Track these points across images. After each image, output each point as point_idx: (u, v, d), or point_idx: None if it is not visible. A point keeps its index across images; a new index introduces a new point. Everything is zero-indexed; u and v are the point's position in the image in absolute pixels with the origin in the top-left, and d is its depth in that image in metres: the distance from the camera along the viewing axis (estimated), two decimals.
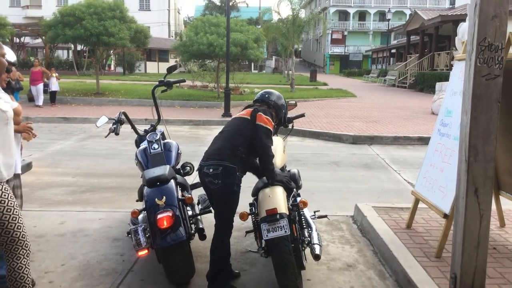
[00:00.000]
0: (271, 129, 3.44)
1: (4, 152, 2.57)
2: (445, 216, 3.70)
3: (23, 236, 2.69)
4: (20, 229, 2.66)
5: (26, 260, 2.71)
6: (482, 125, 2.77)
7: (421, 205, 4.38)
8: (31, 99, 15.89)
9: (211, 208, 3.67)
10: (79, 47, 33.35)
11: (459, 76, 3.97)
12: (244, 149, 3.35)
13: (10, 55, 3.14)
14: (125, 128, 4.45)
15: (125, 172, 7.15)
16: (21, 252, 2.68)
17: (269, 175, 3.41)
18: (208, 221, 4.12)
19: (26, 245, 2.71)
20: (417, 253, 3.81)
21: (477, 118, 2.77)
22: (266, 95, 3.71)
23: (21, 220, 2.67)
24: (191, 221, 3.61)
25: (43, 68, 15.82)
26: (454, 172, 3.16)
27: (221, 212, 3.35)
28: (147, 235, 3.26)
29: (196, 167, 3.66)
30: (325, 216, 3.95)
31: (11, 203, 2.60)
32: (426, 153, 4.41)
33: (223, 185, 3.26)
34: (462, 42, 4.33)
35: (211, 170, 3.27)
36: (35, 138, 3.75)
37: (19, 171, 3.51)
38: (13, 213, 2.61)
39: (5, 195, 2.57)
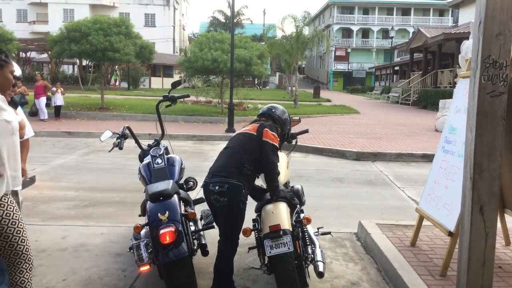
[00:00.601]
0: (277, 145, 3.45)
1: (9, 164, 2.57)
2: (450, 233, 3.66)
3: (27, 250, 2.67)
4: (24, 242, 2.65)
5: (28, 274, 2.69)
6: (487, 142, 2.76)
7: (425, 222, 4.34)
8: (33, 113, 15.96)
9: (214, 224, 3.66)
10: (84, 62, 33.69)
11: (463, 93, 3.97)
12: (250, 166, 3.35)
13: (16, 70, 3.17)
14: (129, 143, 4.46)
15: (127, 186, 7.14)
16: (24, 266, 2.67)
17: (273, 191, 3.40)
18: (211, 236, 4.10)
19: (29, 259, 2.70)
20: (422, 271, 3.76)
21: (482, 135, 2.76)
22: (273, 109, 3.73)
23: (25, 234, 2.66)
24: (194, 237, 3.58)
25: (45, 82, 15.96)
26: (458, 190, 3.14)
27: (227, 230, 3.34)
28: (149, 251, 3.23)
29: (200, 183, 3.65)
30: (329, 233, 3.92)
31: (16, 216, 2.60)
32: (431, 170, 4.38)
33: (229, 203, 3.26)
34: (465, 59, 4.34)
35: (216, 187, 3.26)
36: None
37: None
38: (17, 226, 2.60)
39: (10, 208, 2.57)
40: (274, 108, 3.76)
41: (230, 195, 3.24)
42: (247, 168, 3.33)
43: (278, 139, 3.53)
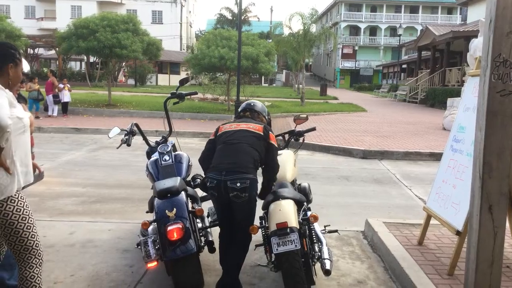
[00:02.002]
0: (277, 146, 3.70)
1: (21, 160, 2.59)
2: (458, 233, 3.64)
3: (37, 245, 2.70)
4: (34, 238, 2.68)
5: (38, 269, 2.71)
6: (497, 141, 2.75)
7: (433, 221, 4.33)
8: (46, 108, 16.26)
9: None
10: (91, 59, 33.82)
11: (473, 92, 3.94)
12: (259, 161, 3.49)
13: (24, 66, 3.18)
14: (136, 140, 4.48)
15: (135, 183, 7.17)
16: (34, 261, 2.69)
17: (267, 191, 3.59)
18: (218, 233, 4.10)
19: (39, 254, 2.72)
20: (429, 270, 3.75)
21: (492, 134, 2.74)
22: (252, 104, 3.97)
23: (35, 229, 2.69)
24: (201, 234, 3.59)
25: (53, 79, 16.10)
26: (467, 189, 3.13)
27: (245, 225, 3.37)
28: (156, 247, 3.25)
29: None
30: (336, 231, 3.92)
31: (26, 212, 2.63)
32: (439, 169, 4.36)
33: (250, 197, 3.34)
34: (474, 58, 4.31)
35: (238, 184, 3.28)
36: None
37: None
38: (28, 222, 2.63)
39: (21, 203, 2.60)
40: (253, 103, 3.99)
41: (251, 190, 3.33)
42: (259, 163, 3.48)
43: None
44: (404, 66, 45.08)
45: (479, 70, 2.93)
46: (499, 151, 2.75)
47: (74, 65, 42.53)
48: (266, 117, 3.95)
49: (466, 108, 4.09)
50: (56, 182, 7.16)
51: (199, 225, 3.63)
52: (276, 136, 3.92)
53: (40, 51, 39.40)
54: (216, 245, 3.61)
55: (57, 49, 26.01)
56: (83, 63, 40.33)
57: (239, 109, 3.99)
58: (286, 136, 4.53)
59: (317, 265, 3.38)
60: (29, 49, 32.76)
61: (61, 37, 17.97)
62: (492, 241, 2.82)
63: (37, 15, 51.22)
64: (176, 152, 4.21)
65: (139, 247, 3.33)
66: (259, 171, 3.55)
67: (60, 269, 3.89)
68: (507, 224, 3.69)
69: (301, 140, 4.41)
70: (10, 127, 2.36)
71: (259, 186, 3.55)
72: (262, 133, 3.53)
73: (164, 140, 4.30)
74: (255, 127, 3.56)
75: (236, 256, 3.45)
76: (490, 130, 2.74)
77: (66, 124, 13.94)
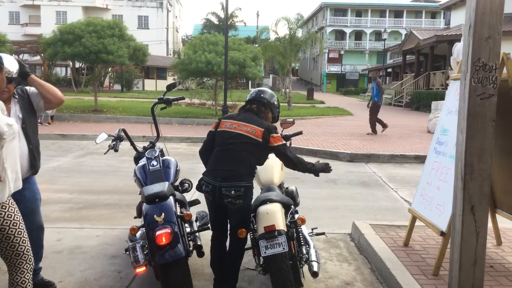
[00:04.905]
0: (284, 141, 3.57)
1: (11, 167, 2.59)
2: (442, 233, 3.71)
3: (28, 250, 2.71)
4: (24, 243, 2.68)
5: (29, 274, 2.72)
6: (478, 143, 2.82)
7: (418, 223, 4.40)
8: None
9: (209, 225, 3.69)
10: (77, 64, 33.56)
11: (455, 95, 4.03)
12: (256, 166, 3.52)
13: (12, 64, 3.15)
14: (123, 145, 4.47)
15: (122, 189, 7.15)
16: (25, 267, 2.70)
17: (312, 170, 3.61)
18: (206, 238, 4.12)
19: (30, 260, 2.73)
20: (415, 271, 3.81)
21: (473, 136, 2.82)
22: (261, 94, 3.72)
23: (25, 235, 2.70)
24: (189, 238, 3.60)
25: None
26: (450, 190, 3.20)
27: (235, 227, 3.41)
28: (145, 252, 3.25)
29: (195, 184, 3.68)
30: (323, 234, 3.96)
31: (17, 217, 2.63)
32: (423, 171, 4.44)
33: (244, 204, 3.35)
34: (457, 62, 4.41)
35: (232, 192, 3.30)
36: None
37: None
38: (18, 227, 2.64)
39: (11, 209, 2.61)
40: (263, 92, 3.76)
41: (245, 197, 3.34)
42: (255, 168, 3.50)
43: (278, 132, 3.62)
44: (389, 70, 45.57)
45: (460, 74, 3.01)
46: (480, 153, 2.82)
47: (60, 71, 42.16)
48: (274, 110, 3.77)
49: (449, 111, 4.18)
50: (43, 188, 7.02)
51: (188, 229, 3.64)
52: None
53: (25, 57, 38.96)
54: (205, 249, 3.63)
55: (42, 55, 25.79)
56: (68, 69, 40.01)
57: (247, 98, 3.77)
58: None
59: (305, 268, 3.41)
60: (13, 55, 32.42)
61: (46, 43, 17.82)
62: (475, 241, 2.88)
63: (21, 20, 50.66)
64: (164, 157, 4.22)
65: (128, 252, 3.33)
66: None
67: (48, 275, 3.86)
68: (490, 225, 3.78)
69: (288, 144, 4.44)
70: (6, 134, 2.36)
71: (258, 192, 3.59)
72: (260, 140, 3.41)
73: (152, 145, 4.31)
74: (254, 131, 3.43)
75: (233, 261, 3.47)
76: (471, 132, 2.81)
77: (52, 131, 13.82)
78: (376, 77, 15.33)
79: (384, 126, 14.20)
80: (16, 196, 2.91)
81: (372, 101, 14.32)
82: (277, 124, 4.10)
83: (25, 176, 3.20)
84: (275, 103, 3.82)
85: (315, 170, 3.59)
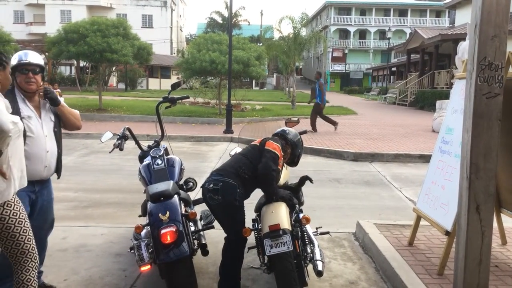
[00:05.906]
0: (278, 154, 3.48)
1: (16, 165, 2.61)
2: (447, 233, 3.71)
3: (33, 248, 2.72)
4: (30, 241, 2.69)
5: (34, 273, 2.73)
6: (483, 142, 2.81)
7: (422, 222, 4.39)
8: None
9: (214, 224, 3.70)
10: (81, 63, 33.66)
11: (460, 94, 4.02)
12: (247, 170, 3.43)
13: (38, 58, 3.32)
14: (127, 144, 4.49)
15: (127, 187, 7.16)
16: (30, 265, 2.71)
17: (268, 195, 3.49)
18: (211, 237, 4.14)
19: (35, 258, 2.74)
20: (419, 271, 3.80)
21: (478, 136, 2.81)
22: (286, 131, 3.86)
23: (31, 233, 2.71)
24: (194, 237, 3.62)
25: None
26: (455, 189, 3.19)
27: (227, 226, 3.40)
28: (150, 250, 3.27)
29: (199, 184, 3.70)
30: (327, 233, 3.95)
31: (22, 216, 2.64)
32: (428, 170, 4.43)
33: (223, 200, 3.32)
34: (462, 60, 4.39)
35: (211, 185, 3.34)
36: None
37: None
38: (24, 226, 2.65)
39: (17, 208, 2.62)
40: (287, 131, 3.88)
41: (224, 193, 3.31)
42: (244, 171, 3.41)
43: (282, 153, 3.57)
44: (394, 69, 45.42)
45: (466, 73, 3.00)
46: (485, 152, 2.81)
47: (64, 70, 42.25)
48: (295, 149, 3.82)
49: (454, 110, 4.16)
50: None
51: (192, 228, 3.65)
52: None
53: None
54: (210, 247, 3.64)
55: (46, 54, 25.85)
56: (73, 68, 40.12)
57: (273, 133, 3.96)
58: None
59: (310, 267, 3.42)
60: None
61: (51, 42, 17.88)
62: (480, 241, 2.88)
63: (26, 19, 50.86)
64: (169, 156, 4.23)
65: (132, 251, 3.34)
66: None
67: (53, 274, 3.89)
68: (495, 224, 3.76)
69: None
70: (12, 131, 2.37)
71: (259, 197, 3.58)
72: (258, 144, 3.62)
73: (157, 144, 4.32)
74: (259, 141, 3.68)
75: (232, 260, 3.47)
76: (477, 131, 2.80)
77: None
78: (319, 77, 15.48)
79: (334, 124, 14.56)
80: (37, 194, 3.16)
81: (316, 101, 14.54)
82: (284, 126, 4.14)
83: (49, 176, 3.48)
84: (299, 142, 3.87)
85: (272, 195, 3.44)
